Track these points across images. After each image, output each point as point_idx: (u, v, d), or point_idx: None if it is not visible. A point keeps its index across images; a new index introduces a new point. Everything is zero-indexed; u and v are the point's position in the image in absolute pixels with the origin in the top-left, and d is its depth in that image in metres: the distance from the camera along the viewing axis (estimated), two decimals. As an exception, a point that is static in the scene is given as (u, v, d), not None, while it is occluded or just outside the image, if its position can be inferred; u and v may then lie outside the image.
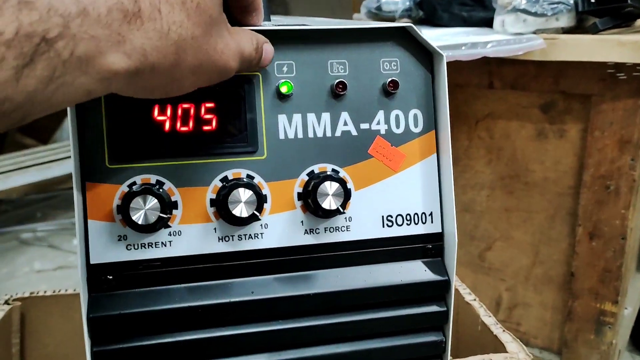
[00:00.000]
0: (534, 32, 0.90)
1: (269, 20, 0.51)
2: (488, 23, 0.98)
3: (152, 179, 0.38)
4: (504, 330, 0.67)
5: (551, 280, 1.06)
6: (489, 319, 0.70)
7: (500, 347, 0.65)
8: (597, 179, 0.95)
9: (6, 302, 0.74)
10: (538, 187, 1.04)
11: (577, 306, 1.01)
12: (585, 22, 0.94)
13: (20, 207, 2.39)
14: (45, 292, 0.77)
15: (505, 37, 0.90)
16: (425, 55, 0.42)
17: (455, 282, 0.81)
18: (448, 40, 0.94)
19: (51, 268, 1.87)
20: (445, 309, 0.42)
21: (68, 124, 0.36)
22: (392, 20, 1.12)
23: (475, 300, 0.75)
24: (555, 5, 0.87)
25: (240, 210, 0.37)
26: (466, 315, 0.73)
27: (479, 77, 1.04)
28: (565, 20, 0.90)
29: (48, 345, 0.78)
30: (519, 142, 1.05)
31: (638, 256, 1.31)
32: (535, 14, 0.87)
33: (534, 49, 0.87)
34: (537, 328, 1.09)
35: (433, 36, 0.98)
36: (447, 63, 0.41)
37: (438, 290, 0.42)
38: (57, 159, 2.09)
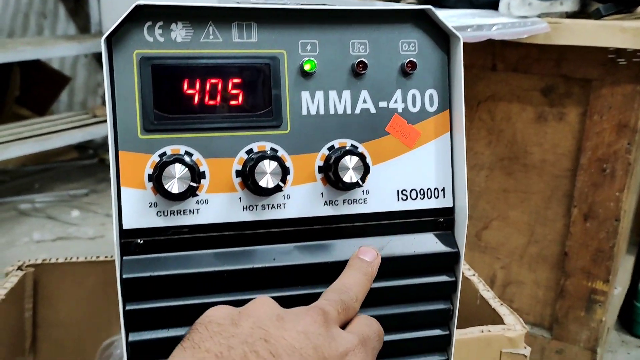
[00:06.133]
0: (538, 16, 0.92)
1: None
2: (494, 5, 0.99)
3: (181, 149, 0.39)
4: (501, 304, 0.70)
5: (545, 259, 1.09)
6: (487, 294, 0.74)
7: (498, 320, 0.68)
8: (594, 161, 0.98)
9: (19, 268, 0.76)
10: (536, 168, 1.07)
11: (569, 284, 1.05)
12: (588, 7, 0.96)
13: (17, 178, 2.40)
14: (57, 259, 0.79)
15: (510, 20, 0.92)
16: (443, 37, 0.44)
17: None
18: (454, 22, 0.96)
19: (50, 239, 1.88)
20: (454, 279, 0.44)
21: (105, 93, 0.38)
22: (398, 1, 1.13)
23: (474, 275, 0.78)
24: (561, -10, 0.88)
25: (267, 181, 0.39)
26: (465, 290, 0.76)
27: (482, 59, 1.06)
28: (570, 5, 0.91)
29: (60, 311, 0.80)
30: (520, 125, 1.07)
31: (629, 238, 1.35)
32: (540, -2, 0.88)
33: (538, 33, 0.88)
34: (530, 305, 1.13)
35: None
36: (452, 44, 0.43)
37: (448, 262, 0.44)
38: (56, 131, 2.09)
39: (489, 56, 1.05)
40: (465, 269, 0.79)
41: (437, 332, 0.45)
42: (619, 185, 0.96)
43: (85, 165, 2.58)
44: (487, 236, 1.16)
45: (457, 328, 0.63)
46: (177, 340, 0.40)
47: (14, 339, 0.75)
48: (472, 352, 0.64)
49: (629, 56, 0.91)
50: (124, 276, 0.38)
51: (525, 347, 0.65)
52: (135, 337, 0.39)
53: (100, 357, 0.80)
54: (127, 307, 0.39)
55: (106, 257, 0.81)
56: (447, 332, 0.45)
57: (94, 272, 0.80)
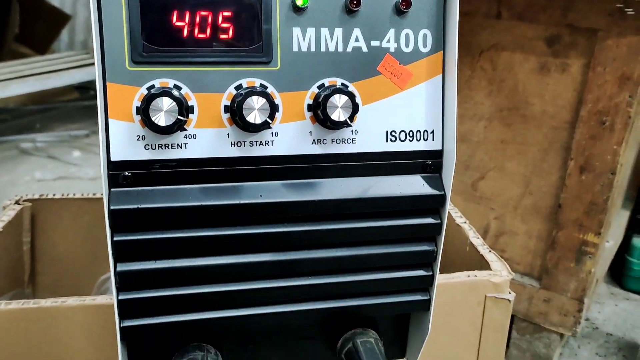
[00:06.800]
0: (547, -38, 0.89)
1: None
2: (501, -51, 0.96)
3: (170, 83, 0.39)
4: (490, 251, 0.72)
5: (539, 210, 1.10)
6: (476, 240, 0.75)
7: (485, 266, 0.69)
8: (593, 114, 0.97)
9: (17, 202, 0.77)
10: (535, 120, 1.06)
11: (561, 236, 1.06)
12: (600, -47, 0.93)
13: (18, 117, 2.40)
14: (54, 195, 0.80)
15: (517, -35, 0.89)
16: (439, -25, 0.43)
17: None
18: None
19: (51, 178, 1.90)
20: (439, 221, 0.45)
21: (92, 21, 0.38)
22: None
23: (465, 222, 0.79)
24: None
25: (254, 117, 0.39)
26: (455, 237, 0.78)
27: (487, 5, 1.04)
28: (580, -49, 0.88)
29: (58, 245, 0.82)
30: (521, 75, 1.05)
31: (625, 193, 1.35)
32: (550, -58, 0.85)
33: (546, -21, 0.86)
34: (521, 255, 1.14)
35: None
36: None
37: (434, 204, 0.45)
38: (56, 70, 2.08)
39: (494, 3, 1.02)
40: (457, 216, 0.80)
41: (420, 272, 0.46)
42: (617, 139, 0.96)
43: (87, 107, 2.57)
44: (483, 187, 1.16)
45: (444, 273, 0.65)
46: (163, 272, 0.41)
47: (12, 271, 0.77)
48: (458, 296, 0.66)
49: (637, 6, 0.88)
50: (112, 207, 0.39)
51: (509, 293, 0.66)
52: (123, 267, 0.40)
53: (97, 291, 0.82)
54: (115, 238, 0.39)
55: (102, 194, 0.82)
56: (430, 273, 0.46)
57: (90, 209, 0.82)
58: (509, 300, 0.66)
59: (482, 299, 0.66)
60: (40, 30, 2.57)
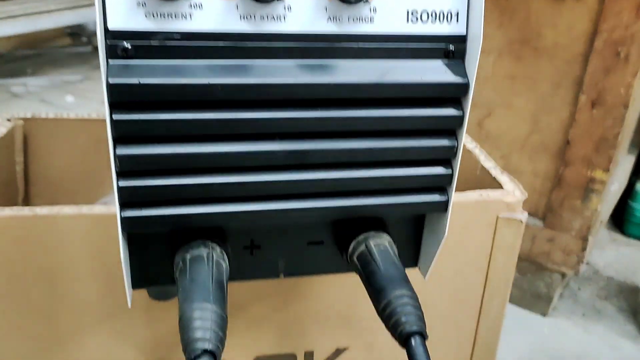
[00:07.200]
0: None
1: None
2: None
3: (173, -55, 0.35)
4: (502, 172, 0.69)
5: (546, 148, 1.08)
6: (488, 163, 0.72)
7: (498, 188, 0.67)
8: (608, 45, 0.94)
9: (8, 120, 0.74)
10: (548, 53, 1.02)
11: (568, 173, 1.04)
12: None
13: (9, 61, 2.33)
14: (47, 114, 0.77)
15: None
16: None
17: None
18: None
19: (44, 122, 1.85)
20: (461, 113, 0.42)
21: None
22: None
23: (476, 147, 0.76)
24: None
25: (266, -17, 0.35)
26: (466, 161, 0.75)
27: None
28: None
29: (52, 168, 0.79)
30: (535, 4, 1.01)
31: (631, 138, 1.33)
32: None
33: None
34: (526, 195, 1.12)
35: None
36: None
37: (456, 93, 0.41)
38: (47, 11, 2.00)
39: None
40: (467, 141, 0.77)
41: (439, 170, 0.43)
42: (632, 70, 0.92)
43: (79, 53, 2.50)
44: (489, 125, 1.13)
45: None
46: (164, 157, 0.38)
47: (5, 191, 0.74)
48: (469, 216, 0.63)
49: None
50: (111, 81, 0.36)
51: (522, 213, 0.64)
52: (122, 150, 0.37)
53: (94, 216, 0.80)
54: (114, 117, 0.36)
55: (97, 115, 0.79)
56: (450, 171, 0.44)
57: (85, 130, 0.78)
58: (521, 221, 0.64)
59: (493, 219, 0.64)
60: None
